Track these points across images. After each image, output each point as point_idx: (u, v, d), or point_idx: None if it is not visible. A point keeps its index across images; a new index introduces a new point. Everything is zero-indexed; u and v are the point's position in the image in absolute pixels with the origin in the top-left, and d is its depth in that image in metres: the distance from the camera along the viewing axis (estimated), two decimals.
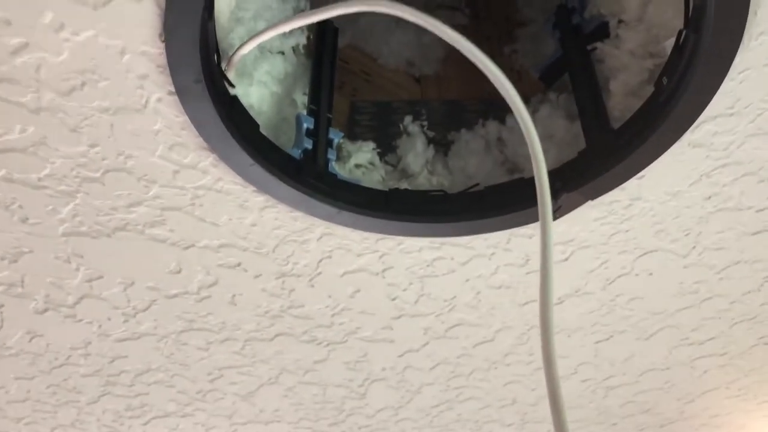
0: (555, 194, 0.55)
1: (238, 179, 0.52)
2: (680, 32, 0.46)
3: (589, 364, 0.77)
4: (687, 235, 0.60)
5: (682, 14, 0.46)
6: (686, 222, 0.58)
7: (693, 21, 0.44)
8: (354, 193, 0.56)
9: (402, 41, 0.76)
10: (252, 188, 0.53)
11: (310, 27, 0.64)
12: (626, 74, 0.54)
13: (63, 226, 0.55)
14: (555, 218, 0.56)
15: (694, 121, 0.49)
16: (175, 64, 0.43)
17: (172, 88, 0.45)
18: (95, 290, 0.62)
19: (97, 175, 0.51)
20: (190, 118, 0.47)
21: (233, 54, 0.47)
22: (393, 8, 0.38)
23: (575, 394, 0.82)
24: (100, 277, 0.60)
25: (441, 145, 0.66)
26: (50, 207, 0.53)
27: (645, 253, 0.62)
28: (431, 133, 0.66)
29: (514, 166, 0.61)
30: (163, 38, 0.42)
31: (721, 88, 0.46)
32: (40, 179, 0.51)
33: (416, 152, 0.63)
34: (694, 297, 0.67)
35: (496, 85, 0.37)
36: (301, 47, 0.63)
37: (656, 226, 0.59)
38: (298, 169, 0.53)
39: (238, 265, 0.60)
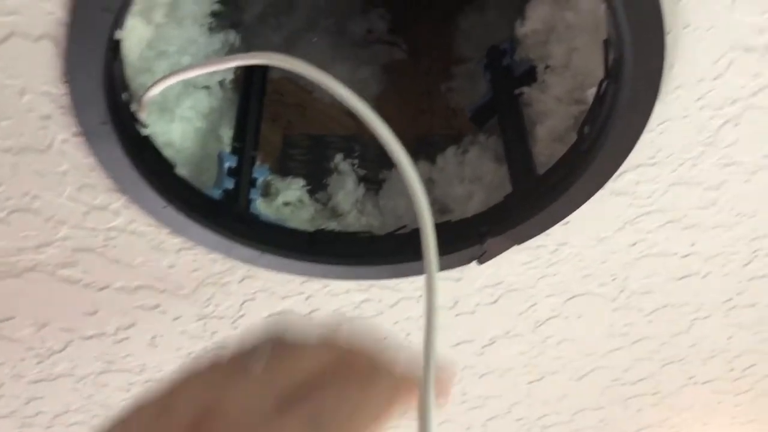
0: (481, 238, 0.54)
1: (152, 221, 0.50)
2: (601, 82, 0.46)
3: (522, 403, 0.76)
4: (614, 279, 0.59)
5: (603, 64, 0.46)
6: (613, 267, 0.58)
7: (612, 72, 0.44)
8: (277, 235, 0.54)
9: (338, 75, 0.75)
10: (167, 230, 0.51)
11: None
12: (552, 120, 0.54)
13: None
14: (481, 262, 0.55)
15: (615, 170, 0.49)
16: (79, 106, 0.41)
17: (78, 130, 0.43)
18: (6, 331, 0.59)
19: (2, 215, 0.48)
20: (97, 160, 0.45)
21: (143, 95, 0.45)
22: (288, 63, 0.36)
23: None
24: (11, 318, 0.57)
25: (372, 183, 0.65)
26: None
27: (573, 297, 0.61)
28: (363, 172, 0.65)
29: (444, 207, 0.61)
30: (65, 79, 0.40)
31: (641, 138, 0.46)
32: None
33: (346, 191, 0.62)
34: (624, 339, 0.67)
35: (379, 137, 0.35)
36: (227, 82, 0.61)
37: (583, 270, 0.58)
38: (216, 210, 0.51)
39: (156, 306, 0.58)
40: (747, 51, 0.42)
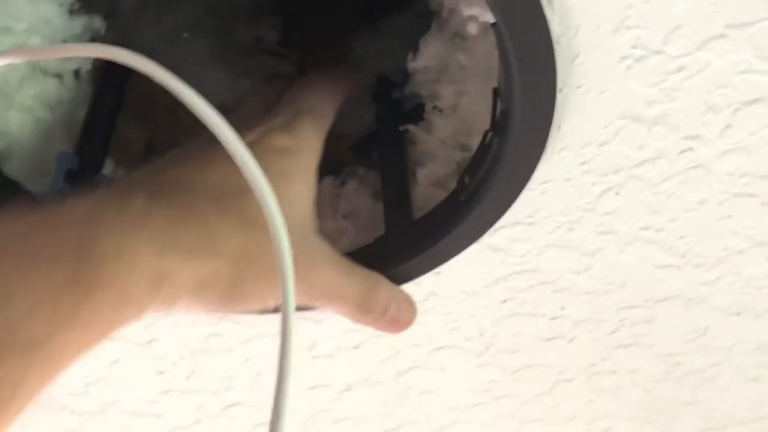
0: None
1: None
2: (486, 133, 0.44)
3: None
4: (481, 335, 0.57)
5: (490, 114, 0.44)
6: (481, 322, 0.55)
7: (499, 124, 0.42)
8: None
9: (215, 83, 0.69)
10: None
11: None
12: (435, 163, 0.50)
13: None
14: None
15: (492, 225, 0.46)
16: None
17: None
18: None
19: None
20: None
21: None
22: (133, 60, 0.31)
23: None
24: None
25: None
26: None
27: (438, 348, 0.58)
28: None
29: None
30: None
31: (521, 196, 0.44)
32: None
33: None
34: (487, 395, 0.65)
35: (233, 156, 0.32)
36: (84, 72, 0.54)
37: (451, 323, 0.55)
38: None
39: None
40: (636, 121, 0.41)
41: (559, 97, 0.38)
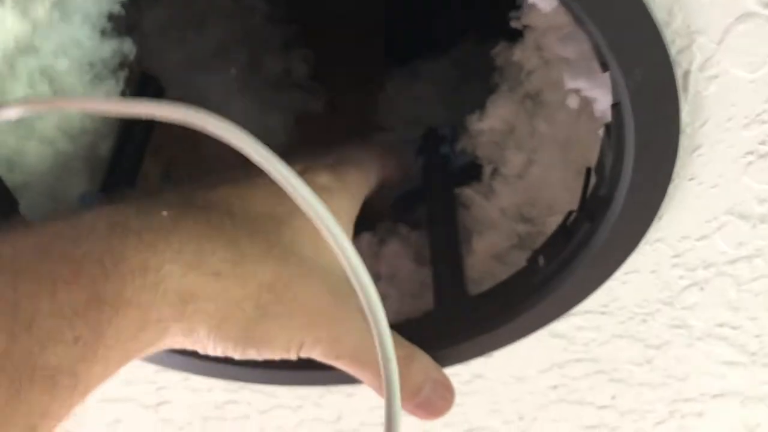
0: None
1: None
2: (570, 213, 0.39)
3: None
4: (521, 419, 0.52)
5: (575, 192, 0.39)
6: (524, 407, 0.51)
7: (590, 208, 0.37)
8: None
9: (244, 117, 0.64)
10: None
11: (128, 78, 0.50)
12: (494, 234, 0.46)
13: None
14: None
15: (564, 313, 0.41)
16: None
17: None
18: None
19: None
20: None
21: None
22: (212, 125, 0.26)
23: None
24: None
25: None
26: None
27: (472, 430, 0.53)
28: None
29: None
30: None
31: (602, 285, 0.40)
32: None
33: None
34: None
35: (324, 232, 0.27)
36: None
37: (492, 405, 0.51)
38: None
39: None
40: (742, 218, 0.37)
41: (670, 188, 0.35)
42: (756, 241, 0.38)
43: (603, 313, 0.43)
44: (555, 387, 0.49)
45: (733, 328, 0.44)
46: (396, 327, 0.46)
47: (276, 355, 0.35)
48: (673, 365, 0.47)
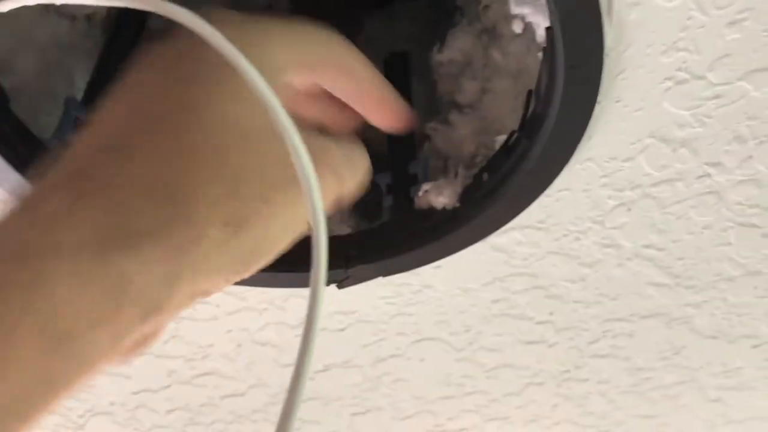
0: (347, 263, 0.50)
1: None
2: (512, 133, 0.43)
3: None
4: (467, 331, 0.57)
5: (520, 114, 0.43)
6: (469, 319, 0.56)
7: (529, 126, 0.41)
8: None
9: None
10: None
11: None
12: (451, 160, 0.50)
13: None
14: (342, 287, 0.51)
15: (503, 225, 0.46)
16: None
17: None
18: None
19: None
20: None
21: None
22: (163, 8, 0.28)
23: None
24: None
25: None
26: None
27: (422, 339, 0.58)
28: None
29: None
30: None
31: (537, 201, 0.44)
32: None
33: None
34: (458, 389, 0.65)
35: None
36: (97, 18, 0.52)
37: (440, 316, 0.55)
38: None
39: None
40: (663, 141, 0.41)
41: (597, 109, 0.39)
42: (677, 165, 0.43)
43: (539, 228, 0.47)
44: (497, 301, 0.54)
45: (659, 249, 0.49)
46: (353, 237, 0.51)
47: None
48: (605, 284, 0.52)
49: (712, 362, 0.62)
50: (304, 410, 0.67)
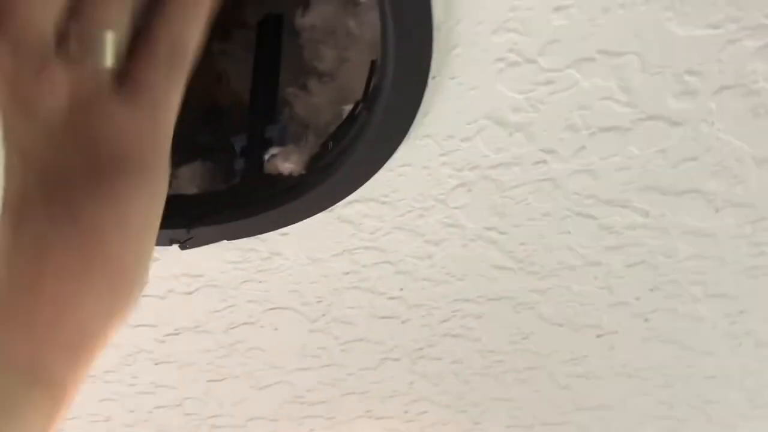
0: (190, 223, 0.49)
1: None
2: (357, 103, 0.43)
3: (197, 400, 0.71)
4: (319, 302, 0.57)
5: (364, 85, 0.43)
6: (321, 289, 0.56)
7: (370, 98, 0.41)
8: None
9: None
10: None
11: None
12: (309, 130, 0.50)
13: None
14: (185, 248, 0.50)
15: (345, 197, 0.46)
16: None
17: None
18: None
19: None
20: None
21: None
22: None
23: (177, 427, 0.76)
24: None
25: None
26: None
27: (274, 308, 0.58)
28: None
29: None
30: None
31: (379, 174, 0.44)
32: None
33: None
34: (315, 360, 0.65)
35: None
36: None
37: (291, 285, 0.55)
38: None
39: None
40: (498, 124, 0.42)
41: (431, 84, 0.39)
42: (513, 149, 0.43)
43: (384, 203, 0.47)
44: (347, 273, 0.54)
45: (501, 233, 0.50)
46: (198, 196, 0.50)
47: None
48: (451, 263, 0.53)
49: (560, 350, 0.63)
50: (157, 373, 0.66)
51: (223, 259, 0.52)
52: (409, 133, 0.41)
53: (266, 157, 0.47)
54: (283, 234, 0.50)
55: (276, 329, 0.60)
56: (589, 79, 0.39)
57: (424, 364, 0.65)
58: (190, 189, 0.50)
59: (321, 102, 0.49)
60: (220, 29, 0.70)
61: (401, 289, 0.55)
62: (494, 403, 0.72)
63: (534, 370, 0.67)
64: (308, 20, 0.49)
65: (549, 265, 0.53)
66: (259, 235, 0.49)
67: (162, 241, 0.50)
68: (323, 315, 0.59)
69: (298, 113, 0.51)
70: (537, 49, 0.37)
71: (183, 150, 0.54)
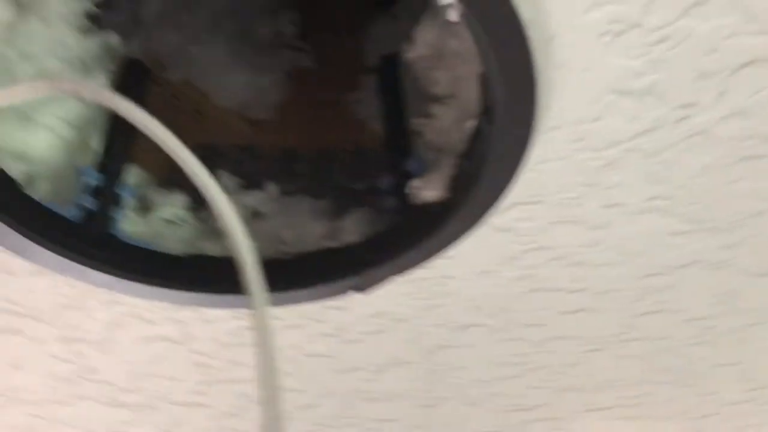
0: (362, 269, 0.52)
1: None
2: (478, 116, 0.44)
3: (420, 427, 0.74)
4: (503, 310, 0.58)
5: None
6: (500, 300, 0.56)
7: (487, 110, 0.42)
8: (141, 260, 0.51)
9: (236, 82, 0.71)
10: (12, 253, 0.47)
11: (116, 63, 0.58)
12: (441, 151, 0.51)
13: None
14: (362, 292, 0.53)
15: (491, 206, 0.46)
16: None
17: None
18: None
19: None
20: None
21: None
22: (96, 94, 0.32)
23: None
24: None
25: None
26: None
27: (462, 327, 0.59)
28: (248, 188, 0.61)
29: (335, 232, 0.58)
30: None
31: (520, 177, 0.44)
32: None
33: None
34: (517, 368, 0.65)
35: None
36: (103, 87, 0.57)
37: (470, 302, 0.56)
38: (69, 232, 0.47)
39: (19, 330, 0.54)
40: (624, 95, 0.40)
41: (542, 78, 0.39)
42: (649, 114, 0.41)
43: (534, 203, 0.47)
44: (520, 279, 0.54)
45: (665, 199, 0.47)
46: (362, 243, 0.53)
47: None
48: (625, 243, 0.51)
49: None
50: (375, 410, 0.70)
51: (399, 293, 0.55)
52: (536, 130, 0.41)
53: (410, 190, 0.49)
54: (449, 257, 0.51)
55: (471, 346, 0.62)
56: (705, 22, 0.36)
57: (632, 348, 0.63)
58: (355, 237, 0.54)
59: (447, 124, 0.51)
60: (349, 80, 0.74)
61: (580, 280, 0.54)
62: (720, 370, 0.67)
63: (753, 326, 0.62)
64: (416, 52, 0.51)
65: (730, 217, 0.49)
66: (424, 263, 0.51)
67: (340, 291, 0.53)
68: (510, 323, 0.59)
69: (429, 140, 0.53)
70: (638, 11, 0.36)
71: (344, 201, 0.58)
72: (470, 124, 0.48)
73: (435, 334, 0.60)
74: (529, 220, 0.49)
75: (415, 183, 0.49)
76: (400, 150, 0.53)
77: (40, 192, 0.49)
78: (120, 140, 0.55)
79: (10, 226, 0.44)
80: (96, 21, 0.56)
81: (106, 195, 0.51)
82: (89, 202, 0.50)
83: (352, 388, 0.66)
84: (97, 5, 0.56)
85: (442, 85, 0.50)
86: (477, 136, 0.44)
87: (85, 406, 0.63)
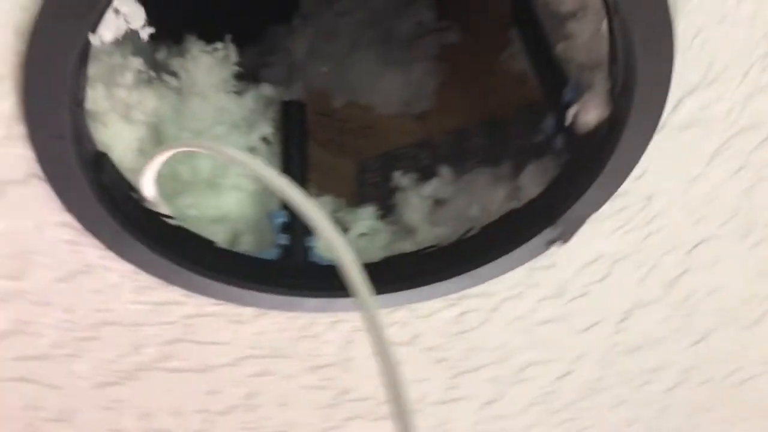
0: (555, 218, 0.49)
1: (216, 301, 0.51)
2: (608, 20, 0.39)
3: (696, 368, 0.67)
4: (736, 214, 0.50)
5: None
6: (726, 203, 0.49)
7: (611, 4, 0.37)
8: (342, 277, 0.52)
9: (391, 84, 0.72)
10: (233, 304, 0.51)
11: (274, 110, 0.62)
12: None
13: (87, 382, 0.56)
14: (564, 243, 0.50)
15: (663, 104, 0.41)
16: (92, 229, 0.43)
17: (103, 245, 0.44)
18: (150, 424, 0.63)
19: (90, 333, 0.52)
20: (137, 266, 0.46)
21: (142, 191, 0.45)
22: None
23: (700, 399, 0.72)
24: (148, 414, 0.62)
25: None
26: (65, 370, 0.55)
27: (695, 246, 0.53)
28: (427, 179, 0.60)
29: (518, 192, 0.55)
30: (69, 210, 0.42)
31: (679, 58, 0.39)
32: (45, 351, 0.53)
33: (412, 207, 0.58)
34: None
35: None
36: (270, 135, 0.60)
37: (691, 215, 0.50)
38: (271, 272, 0.51)
39: (269, 371, 0.59)
40: None
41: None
42: None
43: (711, 82, 0.41)
44: (739, 170, 0.46)
45: None
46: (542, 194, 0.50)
47: None
48: None
49: None
50: (633, 360, 0.64)
51: (606, 231, 0.50)
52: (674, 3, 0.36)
53: (571, 119, 0.46)
54: (641, 177, 0.46)
55: (715, 263, 0.55)
56: None
57: None
58: (536, 190, 0.50)
59: (586, 37, 0.46)
60: (501, 40, 0.71)
61: None
62: None
63: None
64: None
65: None
66: (616, 191, 0.47)
67: (542, 249, 0.50)
68: (751, 224, 0.51)
69: (577, 61, 0.48)
70: None
71: (518, 160, 0.55)
72: (606, 28, 0.43)
73: (668, 262, 0.54)
74: (717, 103, 0.42)
75: (574, 109, 0.45)
76: (556, 85, 0.50)
77: (245, 245, 0.53)
78: (295, 173, 0.58)
79: (226, 283, 0.49)
80: (246, 79, 0.61)
81: (297, 228, 0.54)
82: (285, 239, 0.53)
83: (603, 344, 0.62)
84: (252, 67, 0.61)
85: (569, 2, 0.46)
86: (616, 35, 0.40)
87: (357, 426, 0.67)
